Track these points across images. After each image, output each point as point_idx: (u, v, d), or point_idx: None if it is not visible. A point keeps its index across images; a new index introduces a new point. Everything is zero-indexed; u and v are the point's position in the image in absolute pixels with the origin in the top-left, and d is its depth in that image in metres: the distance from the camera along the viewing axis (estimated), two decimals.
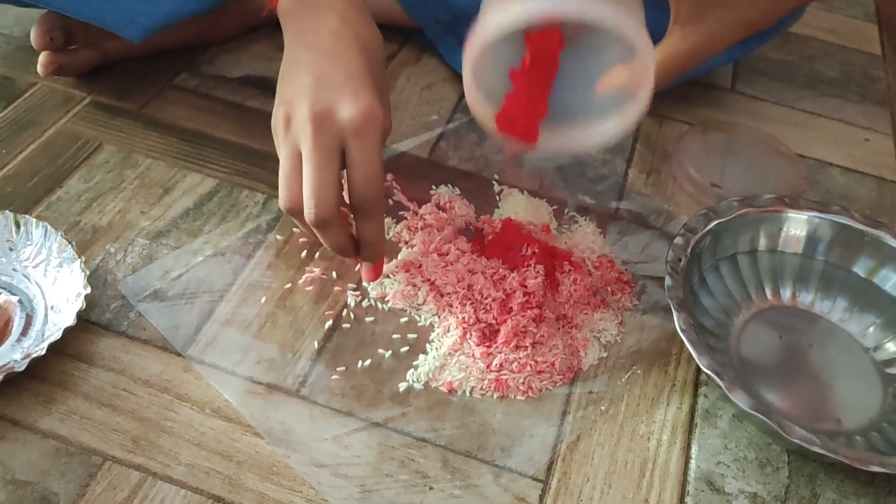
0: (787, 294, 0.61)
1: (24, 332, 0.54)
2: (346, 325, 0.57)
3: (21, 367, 0.50)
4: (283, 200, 0.52)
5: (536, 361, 0.55)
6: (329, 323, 0.57)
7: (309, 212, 0.50)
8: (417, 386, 0.54)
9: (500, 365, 0.54)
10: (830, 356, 0.58)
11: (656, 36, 0.52)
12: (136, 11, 0.66)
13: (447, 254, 0.60)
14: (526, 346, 0.55)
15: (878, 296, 0.60)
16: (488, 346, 0.55)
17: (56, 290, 0.55)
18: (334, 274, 0.60)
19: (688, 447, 0.53)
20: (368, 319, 0.57)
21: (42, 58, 0.70)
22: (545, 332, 0.55)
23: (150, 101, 0.73)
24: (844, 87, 0.87)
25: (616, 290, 0.61)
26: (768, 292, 0.61)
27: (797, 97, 0.84)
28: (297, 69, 0.52)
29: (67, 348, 0.53)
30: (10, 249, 0.57)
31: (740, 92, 0.84)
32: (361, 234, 0.54)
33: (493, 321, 0.56)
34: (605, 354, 0.57)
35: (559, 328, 0.57)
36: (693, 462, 0.52)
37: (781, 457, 0.53)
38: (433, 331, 0.57)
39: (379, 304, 0.58)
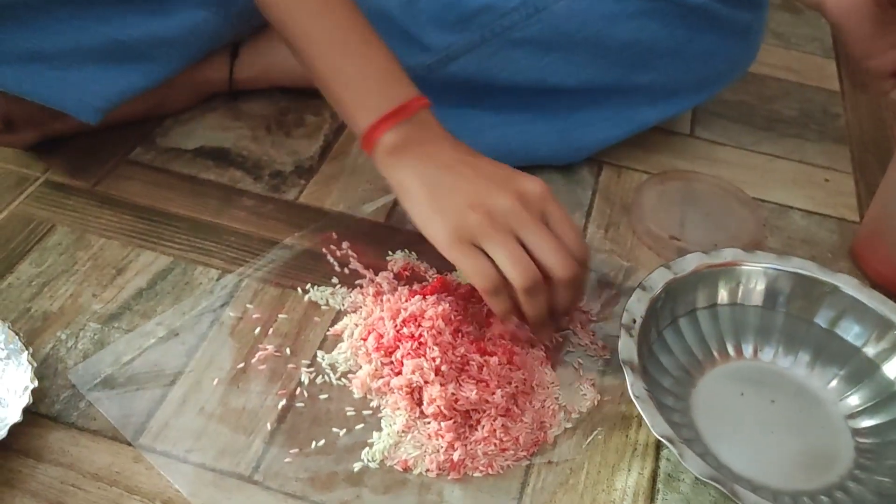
0: (749, 349, 0.61)
1: None
2: (299, 405, 0.56)
3: None
4: (524, 280, 0.53)
5: (501, 440, 0.53)
6: (283, 402, 0.56)
7: (570, 270, 0.54)
8: (373, 465, 0.53)
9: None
10: (794, 412, 0.57)
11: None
12: (86, 91, 0.66)
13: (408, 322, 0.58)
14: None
15: (840, 347, 0.59)
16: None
17: (2, 383, 0.54)
18: (288, 350, 0.59)
19: None
20: (322, 397, 0.57)
21: None
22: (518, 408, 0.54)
23: (104, 177, 0.73)
24: (803, 126, 0.87)
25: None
26: (730, 348, 0.60)
27: (756, 139, 0.84)
28: (453, 181, 0.56)
29: (14, 444, 0.52)
30: None
31: (699, 137, 0.84)
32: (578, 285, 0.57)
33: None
34: (570, 425, 0.56)
35: (530, 401, 0.56)
36: None
37: None
38: (385, 407, 0.56)
39: (334, 380, 0.57)
